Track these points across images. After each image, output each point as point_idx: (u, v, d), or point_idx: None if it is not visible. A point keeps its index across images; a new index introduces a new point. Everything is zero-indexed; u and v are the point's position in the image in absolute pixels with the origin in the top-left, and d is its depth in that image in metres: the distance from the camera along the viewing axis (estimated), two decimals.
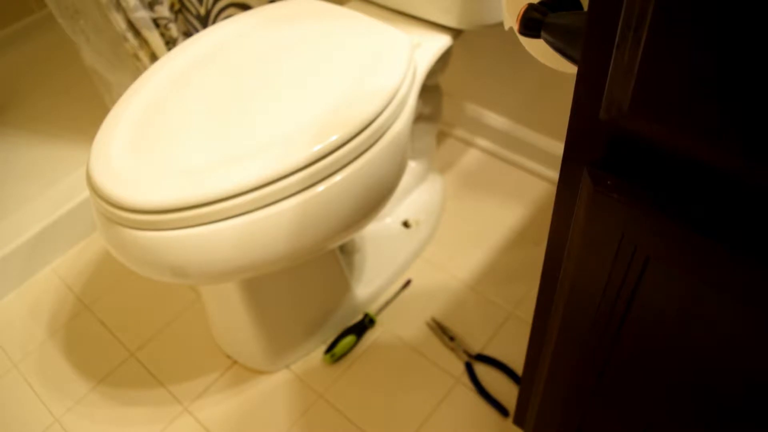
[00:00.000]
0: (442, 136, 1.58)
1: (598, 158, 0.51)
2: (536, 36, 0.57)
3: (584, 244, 0.56)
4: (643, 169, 0.49)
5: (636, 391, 0.70)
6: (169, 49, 1.39)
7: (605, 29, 0.44)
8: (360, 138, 0.88)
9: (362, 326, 1.19)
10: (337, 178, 0.87)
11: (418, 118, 1.29)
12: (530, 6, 0.57)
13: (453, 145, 1.56)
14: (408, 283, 1.27)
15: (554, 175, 1.43)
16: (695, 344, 0.58)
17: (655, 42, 0.41)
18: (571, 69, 0.62)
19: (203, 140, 0.88)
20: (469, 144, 1.55)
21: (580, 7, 0.60)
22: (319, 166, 0.84)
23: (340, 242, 0.94)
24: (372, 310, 1.23)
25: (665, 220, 0.49)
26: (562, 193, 0.56)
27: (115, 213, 0.81)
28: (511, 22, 0.67)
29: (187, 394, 1.15)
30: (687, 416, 0.66)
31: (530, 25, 0.57)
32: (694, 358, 0.60)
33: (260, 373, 1.16)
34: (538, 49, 0.65)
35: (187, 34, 1.43)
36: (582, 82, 0.48)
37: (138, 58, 1.38)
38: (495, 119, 1.48)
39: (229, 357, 1.19)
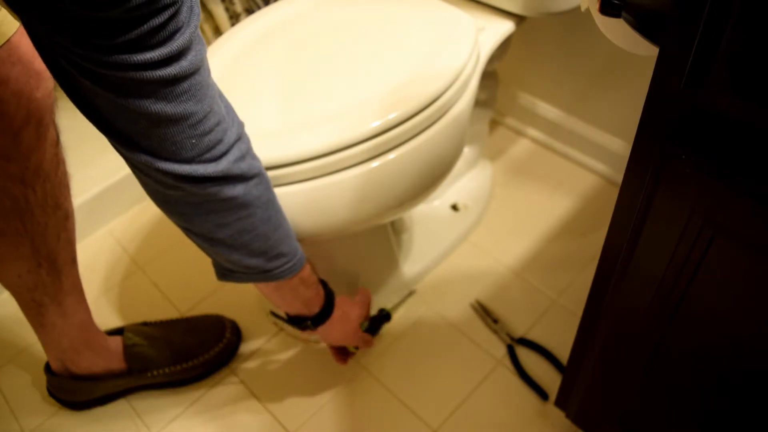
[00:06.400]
0: (493, 125, 1.59)
1: (673, 133, 0.52)
2: (617, 15, 0.58)
3: (652, 218, 0.57)
4: (716, 145, 0.50)
5: (687, 379, 0.71)
6: (233, 24, 1.43)
7: (693, 4, 0.45)
8: (423, 114, 0.90)
9: (378, 320, 1.14)
10: (400, 151, 0.89)
11: (473, 103, 1.30)
12: None
13: (504, 134, 1.57)
14: (412, 292, 1.26)
15: (604, 168, 1.44)
16: (755, 331, 0.59)
17: (745, 18, 0.42)
18: (645, 50, 0.64)
19: (270, 108, 0.91)
20: (519, 133, 1.56)
21: None
22: (383, 139, 0.87)
23: (397, 215, 0.97)
24: (388, 305, 1.22)
25: (737, 196, 0.50)
26: (633, 167, 0.57)
27: None
28: (587, 2, 0.69)
29: (234, 358, 1.19)
30: (741, 408, 0.67)
31: (612, 3, 0.58)
32: (752, 345, 0.60)
33: (306, 341, 1.20)
34: (612, 29, 0.66)
35: (249, 11, 1.46)
36: (664, 57, 0.50)
37: (202, 31, 1.42)
38: (547, 110, 1.49)
39: (276, 324, 1.22)
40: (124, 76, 0.55)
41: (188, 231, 0.76)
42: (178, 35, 0.55)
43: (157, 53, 0.54)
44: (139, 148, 0.63)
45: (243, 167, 0.70)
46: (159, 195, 0.71)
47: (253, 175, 0.72)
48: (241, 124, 0.72)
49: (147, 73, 0.55)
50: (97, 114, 0.62)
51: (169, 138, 0.62)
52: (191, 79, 0.59)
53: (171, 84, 0.58)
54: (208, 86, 0.63)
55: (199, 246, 0.79)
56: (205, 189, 0.68)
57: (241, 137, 0.70)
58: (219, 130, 0.66)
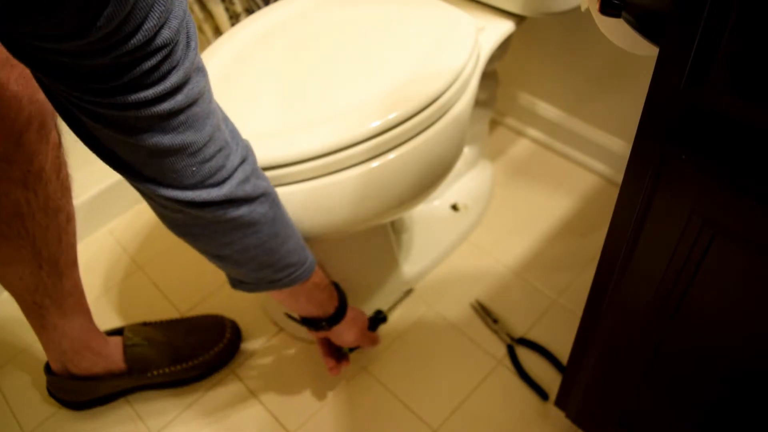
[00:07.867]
0: (493, 125, 1.59)
1: (673, 133, 0.52)
2: (617, 15, 0.58)
3: (652, 218, 0.57)
4: (716, 145, 0.50)
5: (687, 379, 0.71)
6: (233, 24, 1.42)
7: (693, 4, 0.45)
8: (423, 114, 0.90)
9: (375, 322, 1.15)
10: (401, 151, 0.89)
11: (473, 103, 1.30)
12: None
13: (504, 134, 1.57)
14: (410, 291, 1.25)
15: (604, 168, 1.44)
16: (755, 331, 0.59)
17: (745, 18, 0.42)
18: (645, 50, 0.63)
19: (270, 108, 0.91)
20: (519, 133, 1.56)
21: None
22: (383, 139, 0.87)
23: (397, 215, 0.97)
24: (385, 306, 1.22)
25: (737, 196, 0.50)
26: (633, 167, 0.57)
27: None
28: (587, 2, 0.69)
29: (234, 358, 1.19)
30: (741, 408, 0.67)
31: (612, 3, 0.58)
32: (752, 345, 0.60)
33: (305, 341, 1.20)
34: (612, 29, 0.66)
35: (249, 11, 1.46)
36: (664, 57, 0.50)
37: (202, 31, 1.42)
38: (547, 110, 1.49)
39: (275, 324, 1.23)
40: (121, 115, 0.55)
41: (197, 248, 0.78)
42: (172, 74, 0.55)
43: (151, 92, 0.54)
44: (141, 176, 0.64)
45: (247, 189, 0.70)
46: (166, 218, 0.72)
47: (258, 196, 0.72)
48: (245, 147, 0.72)
49: (142, 111, 0.55)
50: (99, 145, 0.62)
51: (169, 167, 0.62)
52: (188, 111, 0.59)
53: (167, 118, 0.58)
54: (208, 115, 0.62)
55: (210, 260, 0.80)
56: (209, 212, 0.68)
57: (246, 159, 0.70)
58: (220, 156, 0.65)
